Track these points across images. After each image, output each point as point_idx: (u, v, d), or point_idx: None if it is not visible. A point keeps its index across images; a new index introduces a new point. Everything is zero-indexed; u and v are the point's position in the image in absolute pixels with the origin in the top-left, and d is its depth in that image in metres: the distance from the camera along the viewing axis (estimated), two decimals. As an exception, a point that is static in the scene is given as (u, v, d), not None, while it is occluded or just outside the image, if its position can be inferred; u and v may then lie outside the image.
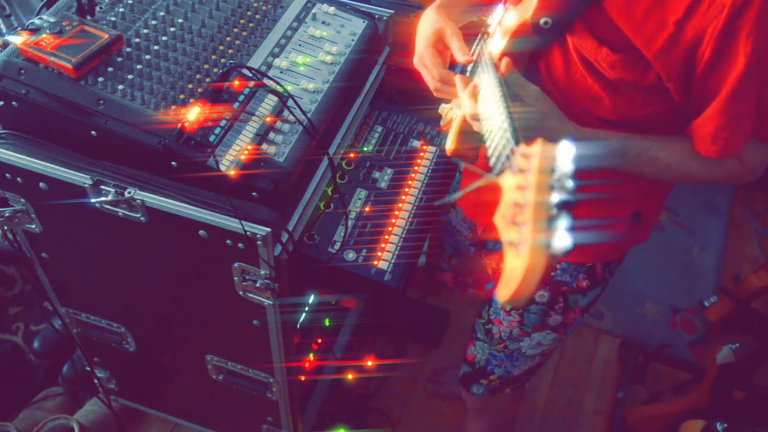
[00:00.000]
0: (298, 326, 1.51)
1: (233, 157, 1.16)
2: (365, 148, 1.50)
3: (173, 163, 1.13)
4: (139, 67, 1.19)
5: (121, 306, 1.52)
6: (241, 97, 1.22)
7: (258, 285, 1.19)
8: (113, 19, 1.25)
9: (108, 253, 1.36)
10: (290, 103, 1.24)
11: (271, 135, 1.23)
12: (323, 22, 1.46)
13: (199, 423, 1.90)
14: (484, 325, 1.47)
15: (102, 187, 1.14)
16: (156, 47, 1.24)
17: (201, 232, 1.15)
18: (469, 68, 1.11)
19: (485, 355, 1.50)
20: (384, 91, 1.66)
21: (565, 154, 0.64)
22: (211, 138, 1.16)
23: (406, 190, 1.44)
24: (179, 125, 1.12)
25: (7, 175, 1.20)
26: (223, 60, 1.28)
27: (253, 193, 1.16)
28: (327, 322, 1.76)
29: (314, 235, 1.31)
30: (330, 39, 1.42)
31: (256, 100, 1.23)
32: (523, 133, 0.77)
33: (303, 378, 1.65)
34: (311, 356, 1.68)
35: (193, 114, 1.13)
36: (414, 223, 1.39)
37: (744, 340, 2.35)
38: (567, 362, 2.29)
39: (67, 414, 1.89)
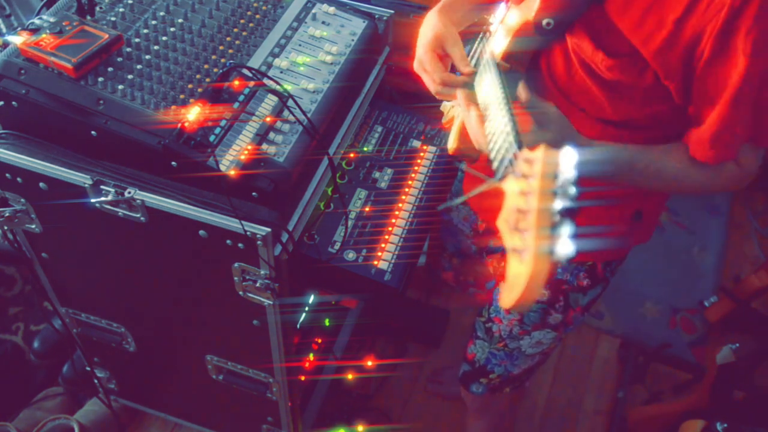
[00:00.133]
0: (298, 326, 1.51)
1: (233, 157, 1.16)
2: (365, 148, 1.50)
3: (173, 163, 1.13)
4: (139, 67, 1.19)
5: (121, 306, 1.52)
6: (241, 97, 1.22)
7: (258, 285, 1.19)
8: (113, 19, 1.25)
9: (108, 253, 1.36)
10: (290, 103, 1.24)
11: (271, 135, 1.23)
12: (323, 22, 1.46)
13: (199, 423, 1.90)
14: (485, 323, 1.47)
15: (102, 187, 1.14)
16: (156, 47, 1.24)
17: (201, 232, 1.15)
18: (471, 67, 1.11)
19: (485, 354, 1.50)
20: (384, 91, 1.66)
21: (568, 160, 0.64)
22: (211, 138, 1.16)
23: (406, 190, 1.44)
24: (179, 125, 1.12)
25: (7, 175, 1.20)
26: (223, 60, 1.28)
27: (253, 193, 1.16)
28: (327, 322, 1.76)
29: (314, 235, 1.31)
30: (330, 39, 1.42)
31: (256, 100, 1.23)
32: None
33: (303, 378, 1.65)
34: (311, 356, 1.68)
35: (193, 114, 1.13)
36: (414, 223, 1.39)
37: (744, 340, 2.35)
38: (567, 362, 2.29)
39: (67, 414, 1.89)
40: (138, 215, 1.17)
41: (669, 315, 2.47)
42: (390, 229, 1.36)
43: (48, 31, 1.15)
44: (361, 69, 1.48)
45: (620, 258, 1.34)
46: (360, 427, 1.93)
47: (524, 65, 1.11)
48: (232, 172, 1.13)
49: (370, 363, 1.90)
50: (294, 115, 1.22)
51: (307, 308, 1.52)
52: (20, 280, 2.21)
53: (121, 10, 1.27)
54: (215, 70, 1.25)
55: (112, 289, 1.48)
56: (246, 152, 1.17)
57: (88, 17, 1.24)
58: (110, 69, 1.16)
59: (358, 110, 1.46)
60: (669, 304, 2.50)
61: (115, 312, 1.53)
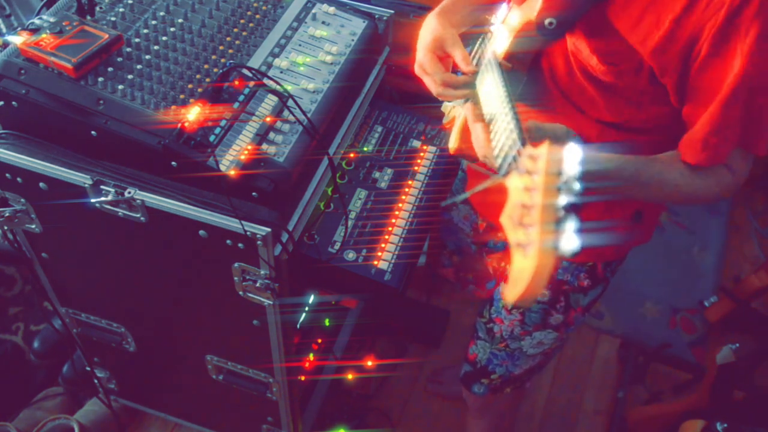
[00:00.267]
0: (298, 326, 1.51)
1: (233, 157, 1.16)
2: (365, 148, 1.50)
3: (173, 163, 1.13)
4: (139, 67, 1.19)
5: (121, 306, 1.52)
6: (241, 97, 1.22)
7: (258, 285, 1.19)
8: (113, 19, 1.25)
9: (108, 253, 1.36)
10: (290, 103, 1.24)
11: (271, 135, 1.23)
12: (323, 22, 1.46)
13: (199, 423, 1.90)
14: (486, 324, 1.47)
15: (102, 187, 1.14)
16: (156, 47, 1.24)
17: (201, 232, 1.15)
18: (473, 67, 1.11)
19: (486, 355, 1.50)
20: (384, 91, 1.66)
21: (572, 157, 0.64)
22: (211, 138, 1.16)
23: (406, 190, 1.44)
24: (179, 125, 1.12)
25: (7, 175, 1.20)
26: (223, 60, 1.28)
27: (253, 193, 1.16)
28: (327, 322, 1.76)
29: (314, 235, 1.31)
30: (330, 39, 1.42)
31: (256, 100, 1.23)
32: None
33: (303, 378, 1.65)
34: (311, 356, 1.68)
35: (193, 114, 1.13)
36: (414, 223, 1.39)
37: (744, 340, 2.35)
38: (567, 362, 2.29)
39: (67, 414, 1.89)
40: (138, 215, 1.17)
41: (669, 315, 2.47)
42: (390, 229, 1.36)
43: (48, 31, 1.15)
44: (361, 69, 1.48)
45: (620, 258, 1.34)
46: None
47: (526, 65, 1.11)
48: (232, 172, 1.13)
49: (370, 363, 1.90)
50: (294, 115, 1.22)
51: (307, 308, 1.52)
52: (20, 280, 2.21)
53: (121, 10, 1.27)
54: (215, 70, 1.25)
55: (112, 289, 1.48)
56: (246, 152, 1.17)
57: (88, 17, 1.24)
58: (110, 69, 1.16)
59: (358, 110, 1.46)
60: (669, 304, 2.50)
61: (115, 312, 1.53)
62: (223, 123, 1.18)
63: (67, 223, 1.29)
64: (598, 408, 2.19)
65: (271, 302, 1.23)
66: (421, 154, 1.52)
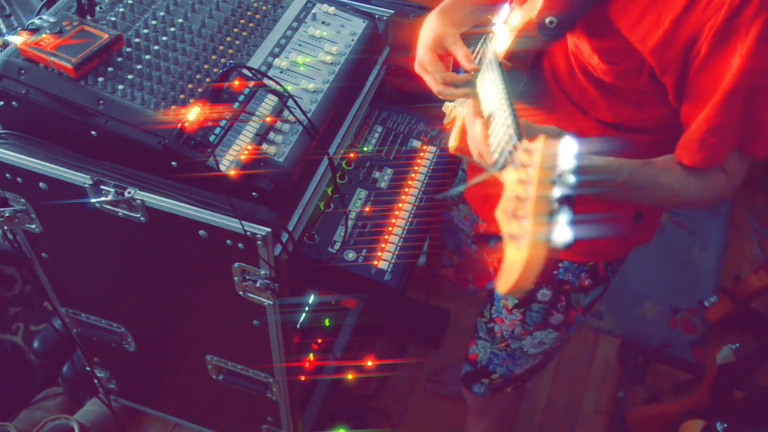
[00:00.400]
0: (298, 326, 1.51)
1: (233, 157, 1.16)
2: (365, 148, 1.50)
3: (173, 163, 1.13)
4: (139, 67, 1.19)
5: (121, 306, 1.52)
6: (241, 97, 1.22)
7: (258, 285, 1.19)
8: (113, 19, 1.25)
9: (108, 253, 1.36)
10: (290, 103, 1.24)
11: (271, 135, 1.23)
12: (323, 22, 1.46)
13: (199, 423, 1.90)
14: (486, 323, 1.47)
15: (102, 187, 1.14)
16: (156, 47, 1.24)
17: (201, 232, 1.15)
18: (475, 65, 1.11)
19: (487, 354, 1.51)
20: (384, 91, 1.66)
21: (568, 150, 0.64)
22: (211, 138, 1.16)
23: (406, 190, 1.44)
24: (179, 125, 1.12)
25: (7, 175, 1.20)
26: (223, 60, 1.28)
27: (253, 193, 1.16)
28: (327, 322, 1.76)
29: (314, 235, 1.31)
30: (330, 39, 1.42)
31: (256, 100, 1.23)
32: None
33: (303, 378, 1.65)
34: (311, 356, 1.68)
35: (193, 114, 1.13)
36: (414, 223, 1.39)
37: (744, 340, 2.35)
38: (567, 362, 2.29)
39: (67, 414, 1.89)
40: (138, 215, 1.17)
41: (669, 315, 2.47)
42: (390, 229, 1.36)
43: (48, 31, 1.15)
44: (361, 69, 1.48)
45: (621, 258, 1.34)
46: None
47: (527, 65, 1.11)
48: (232, 172, 1.13)
49: (370, 363, 1.90)
50: (294, 115, 1.22)
51: (307, 308, 1.52)
52: (20, 280, 2.21)
53: (121, 10, 1.27)
54: (215, 70, 1.25)
55: (112, 289, 1.48)
56: (246, 152, 1.17)
57: (88, 17, 1.24)
58: (110, 69, 1.16)
59: (358, 110, 1.46)
60: (669, 304, 2.50)
61: (115, 312, 1.53)
62: (223, 123, 1.18)
63: (67, 223, 1.29)
64: (598, 408, 2.19)
65: (271, 302, 1.23)
66: (421, 154, 1.52)
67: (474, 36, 1.19)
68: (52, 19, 1.18)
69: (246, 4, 1.41)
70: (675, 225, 2.78)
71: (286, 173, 1.19)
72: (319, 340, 1.75)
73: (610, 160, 0.96)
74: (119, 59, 1.19)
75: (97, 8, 1.26)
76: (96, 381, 1.81)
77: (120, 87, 1.14)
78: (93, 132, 1.14)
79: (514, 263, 0.63)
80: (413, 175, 1.47)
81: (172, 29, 1.28)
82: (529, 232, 0.62)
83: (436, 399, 2.15)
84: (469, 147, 0.98)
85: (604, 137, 1.10)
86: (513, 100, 0.85)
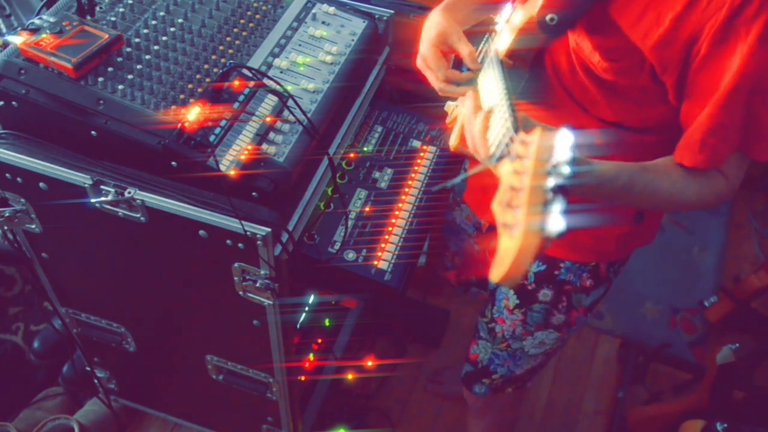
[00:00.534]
0: (298, 326, 1.51)
1: (233, 157, 1.16)
2: (365, 148, 1.50)
3: (173, 163, 1.13)
4: (139, 67, 1.19)
5: (121, 306, 1.52)
6: (241, 97, 1.22)
7: (258, 285, 1.19)
8: (113, 19, 1.25)
9: (108, 253, 1.36)
10: (290, 103, 1.24)
11: (271, 135, 1.23)
12: (323, 22, 1.46)
13: (199, 423, 1.90)
14: (487, 323, 1.47)
15: (102, 187, 1.14)
16: (156, 47, 1.24)
17: (201, 232, 1.15)
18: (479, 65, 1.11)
19: (488, 354, 1.50)
20: (384, 91, 1.66)
21: (564, 142, 0.64)
22: (211, 138, 1.16)
23: (406, 190, 1.44)
24: (179, 125, 1.12)
25: (7, 175, 1.20)
26: (223, 60, 1.28)
27: (253, 193, 1.16)
28: (327, 322, 1.76)
29: (314, 235, 1.31)
30: (330, 39, 1.42)
31: (256, 100, 1.23)
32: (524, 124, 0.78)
33: (303, 378, 1.65)
34: (311, 356, 1.68)
35: (193, 114, 1.13)
36: (414, 223, 1.39)
37: (744, 340, 2.35)
38: (567, 362, 2.29)
39: (67, 414, 1.89)
40: (138, 215, 1.17)
41: (669, 315, 2.47)
42: (390, 229, 1.36)
43: (48, 31, 1.15)
44: (361, 69, 1.48)
45: (623, 259, 1.34)
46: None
47: (528, 63, 1.11)
48: (232, 172, 1.13)
49: (370, 363, 1.90)
50: (294, 115, 1.22)
51: (307, 308, 1.52)
52: (20, 280, 2.21)
53: (121, 10, 1.27)
54: (215, 70, 1.25)
55: (112, 289, 1.48)
56: (246, 152, 1.17)
57: (88, 17, 1.24)
58: (110, 69, 1.16)
59: (358, 110, 1.46)
60: (669, 304, 2.50)
61: (115, 312, 1.53)
62: (223, 123, 1.18)
63: (67, 223, 1.29)
64: (598, 408, 2.19)
65: (271, 302, 1.23)
66: (421, 154, 1.52)
67: (476, 35, 1.19)
68: (52, 19, 1.18)
69: (246, 4, 1.41)
70: (675, 225, 2.78)
71: (286, 173, 1.19)
72: (319, 340, 1.75)
73: (607, 165, 0.95)
74: (119, 59, 1.19)
75: (97, 8, 1.26)
76: (96, 381, 1.81)
77: (120, 87, 1.14)
78: (93, 132, 1.14)
79: (507, 252, 0.64)
80: (413, 175, 1.47)
81: (172, 29, 1.28)
82: (522, 221, 0.62)
83: (436, 399, 2.15)
84: (467, 143, 0.98)
85: (600, 128, 1.09)
86: (512, 96, 0.86)
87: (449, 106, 1.29)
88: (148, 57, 1.21)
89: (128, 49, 1.21)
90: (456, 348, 2.24)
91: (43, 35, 1.14)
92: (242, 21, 1.38)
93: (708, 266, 2.65)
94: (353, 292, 1.39)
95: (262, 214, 1.14)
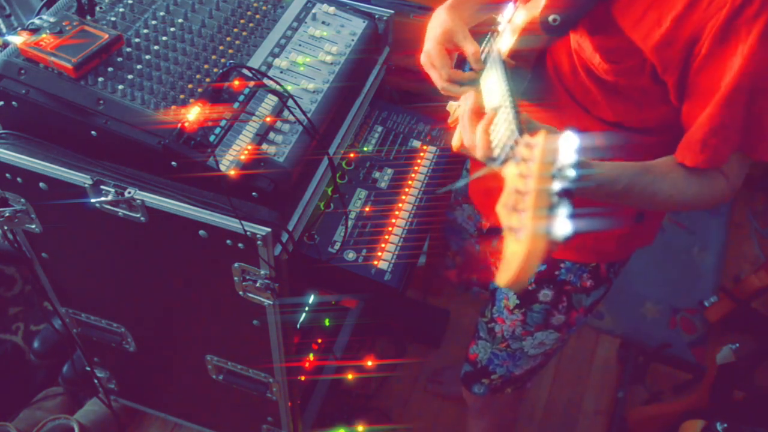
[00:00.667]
0: (298, 326, 1.51)
1: (233, 157, 1.16)
2: (365, 148, 1.50)
3: (173, 163, 1.13)
4: (139, 67, 1.19)
5: (121, 306, 1.52)
6: (241, 97, 1.22)
7: (258, 285, 1.19)
8: (113, 19, 1.25)
9: (108, 253, 1.36)
10: (290, 103, 1.24)
11: (271, 135, 1.23)
12: (323, 22, 1.46)
13: (199, 423, 1.90)
14: (487, 323, 1.47)
15: (102, 187, 1.14)
16: (156, 47, 1.24)
17: (201, 232, 1.15)
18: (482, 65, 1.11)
19: (487, 354, 1.50)
20: (384, 91, 1.66)
21: (569, 145, 0.64)
22: (211, 138, 1.16)
23: (406, 190, 1.44)
24: (179, 125, 1.12)
25: (7, 175, 1.20)
26: (223, 60, 1.28)
27: (253, 193, 1.16)
28: (327, 322, 1.76)
29: (314, 235, 1.31)
30: (330, 39, 1.42)
31: (256, 100, 1.23)
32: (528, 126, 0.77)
33: (303, 378, 1.65)
34: (311, 356, 1.68)
35: (193, 114, 1.13)
36: (414, 223, 1.39)
37: (744, 340, 2.35)
38: (567, 362, 2.29)
39: (67, 414, 1.89)
40: (138, 215, 1.17)
41: (669, 315, 2.47)
42: (390, 229, 1.36)
43: (48, 31, 1.15)
44: (361, 69, 1.48)
45: (624, 259, 1.34)
46: (360, 428, 1.93)
47: (530, 63, 1.11)
48: (232, 172, 1.13)
49: (370, 363, 1.90)
50: (294, 115, 1.22)
51: (307, 308, 1.52)
52: (20, 280, 2.21)
53: (121, 10, 1.27)
54: (215, 70, 1.25)
55: (112, 289, 1.48)
56: (246, 152, 1.17)
57: (88, 17, 1.24)
58: (110, 69, 1.16)
59: (358, 110, 1.46)
60: (669, 304, 2.50)
61: (115, 312, 1.53)
62: (223, 123, 1.18)
63: (67, 223, 1.29)
64: (598, 408, 2.19)
65: (271, 302, 1.23)
66: (421, 154, 1.52)
67: (478, 35, 1.19)
68: (52, 19, 1.18)
69: (246, 4, 1.41)
70: (675, 225, 2.78)
71: (286, 173, 1.19)
72: (319, 340, 1.75)
73: (608, 166, 0.95)
74: (119, 59, 1.19)
75: (97, 8, 1.26)
76: (96, 381, 1.81)
77: (120, 87, 1.14)
78: (93, 132, 1.14)
79: (514, 256, 0.64)
80: (413, 175, 1.47)
81: (172, 29, 1.28)
82: (528, 224, 0.62)
83: (436, 399, 2.15)
84: (464, 141, 0.98)
85: (604, 131, 1.09)
86: (515, 97, 0.86)
87: (451, 106, 1.29)
88: (148, 57, 1.21)
89: (128, 49, 1.21)
90: (456, 348, 2.24)
91: (43, 35, 1.14)
92: (242, 21, 1.38)
93: (708, 266, 2.65)
94: (353, 292, 1.39)
95: (262, 214, 1.14)
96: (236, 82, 1.21)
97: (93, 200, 1.15)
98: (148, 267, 1.36)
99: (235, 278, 1.22)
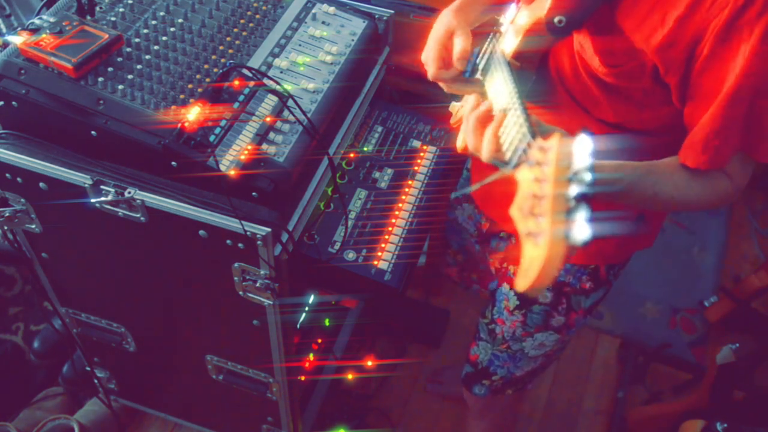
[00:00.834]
0: (298, 326, 1.51)
1: (233, 157, 1.16)
2: (365, 148, 1.50)
3: (173, 163, 1.13)
4: (139, 67, 1.19)
5: (121, 306, 1.52)
6: (241, 97, 1.22)
7: (258, 285, 1.19)
8: (113, 19, 1.25)
9: (108, 253, 1.36)
10: (290, 103, 1.24)
11: (271, 135, 1.23)
12: (323, 22, 1.46)
13: (199, 423, 1.90)
14: (488, 324, 1.47)
15: (102, 187, 1.14)
16: (156, 47, 1.24)
17: (201, 232, 1.15)
18: (481, 66, 1.11)
19: (488, 356, 1.50)
20: (384, 91, 1.66)
21: (583, 148, 0.64)
22: (211, 138, 1.16)
23: (406, 190, 1.44)
24: (179, 125, 1.12)
25: (7, 175, 1.20)
26: (223, 60, 1.28)
27: (253, 193, 1.16)
28: (327, 322, 1.76)
29: (314, 235, 1.31)
30: (330, 39, 1.42)
31: (256, 100, 1.23)
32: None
33: (303, 378, 1.65)
34: (311, 356, 1.68)
35: (193, 114, 1.13)
36: (414, 223, 1.39)
37: (744, 340, 2.35)
38: (567, 362, 2.29)
39: (67, 414, 1.89)
40: (138, 215, 1.17)
41: (669, 315, 2.47)
42: (390, 229, 1.36)
43: (48, 31, 1.15)
44: (361, 69, 1.48)
45: (623, 261, 1.34)
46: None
47: (535, 65, 1.11)
48: (232, 172, 1.13)
49: (370, 363, 1.90)
50: (294, 115, 1.22)
51: (307, 308, 1.52)
52: (20, 280, 2.21)
53: (121, 10, 1.27)
54: (215, 70, 1.25)
55: (112, 289, 1.48)
56: (246, 152, 1.17)
57: (88, 17, 1.24)
58: (110, 69, 1.16)
59: (358, 110, 1.46)
60: (669, 304, 2.50)
61: (115, 312, 1.53)
62: (223, 123, 1.18)
63: (67, 223, 1.29)
64: (598, 408, 2.19)
65: (271, 302, 1.23)
66: (421, 154, 1.52)
67: (483, 36, 1.19)
68: (52, 19, 1.18)
69: (246, 4, 1.41)
70: (675, 225, 2.78)
71: (286, 173, 1.19)
72: (319, 340, 1.75)
73: (612, 167, 0.95)
74: (119, 59, 1.19)
75: (97, 8, 1.26)
76: (96, 381, 1.80)
77: (120, 87, 1.14)
78: (93, 132, 1.14)
79: (533, 261, 0.63)
80: (413, 175, 1.47)
81: (172, 29, 1.28)
82: (547, 229, 0.62)
83: (436, 399, 2.15)
84: (467, 143, 0.97)
85: (616, 134, 1.09)
86: (524, 100, 0.85)
87: (454, 106, 1.29)
88: (148, 57, 1.21)
89: (128, 49, 1.21)
90: (456, 348, 2.24)
91: (43, 35, 1.14)
92: (242, 21, 1.38)
93: (708, 266, 2.65)
94: (353, 292, 1.39)
95: (262, 214, 1.14)
96: (236, 82, 1.21)
97: (93, 200, 1.15)
98: (148, 267, 1.36)
99: (235, 278, 1.22)
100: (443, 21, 1.15)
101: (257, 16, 1.41)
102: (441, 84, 1.13)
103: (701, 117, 0.96)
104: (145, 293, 1.44)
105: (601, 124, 1.10)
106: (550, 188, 0.64)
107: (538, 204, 0.65)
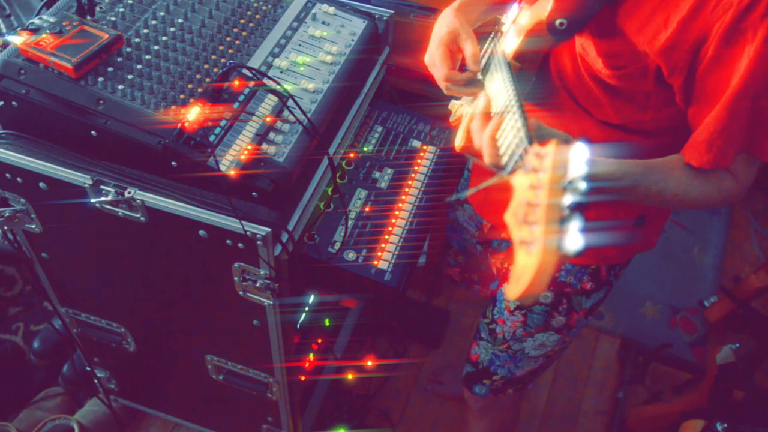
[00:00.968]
0: (298, 326, 1.51)
1: (233, 157, 1.16)
2: (365, 148, 1.50)
3: (173, 163, 1.13)
4: (139, 67, 1.19)
5: (121, 306, 1.52)
6: (241, 97, 1.22)
7: (258, 285, 1.19)
8: (113, 19, 1.25)
9: (108, 253, 1.36)
10: (290, 103, 1.24)
11: (271, 135, 1.23)
12: (323, 22, 1.46)
13: (199, 423, 1.90)
14: (488, 324, 1.47)
15: (102, 187, 1.14)
16: (156, 47, 1.24)
17: (201, 232, 1.15)
18: (481, 66, 1.11)
19: (489, 356, 1.50)
20: (384, 91, 1.66)
21: (579, 156, 0.64)
22: (211, 138, 1.16)
23: (406, 190, 1.44)
24: (179, 125, 1.12)
25: (7, 175, 1.20)
26: (223, 60, 1.28)
27: (253, 193, 1.16)
28: (327, 322, 1.76)
29: (314, 235, 1.31)
30: (330, 39, 1.42)
31: (256, 100, 1.23)
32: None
33: (303, 378, 1.65)
34: (311, 356, 1.68)
35: (193, 114, 1.13)
36: (414, 223, 1.39)
37: (744, 340, 2.35)
38: (567, 362, 2.29)
39: (67, 414, 1.89)
40: (138, 215, 1.17)
41: (669, 315, 2.47)
42: (390, 229, 1.36)
43: (48, 31, 1.15)
44: (361, 69, 1.48)
45: (624, 262, 1.34)
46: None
47: (535, 66, 1.11)
48: (232, 172, 1.13)
49: (370, 363, 1.90)
50: (294, 115, 1.22)
51: (307, 308, 1.52)
52: (20, 280, 2.21)
53: (121, 10, 1.27)
54: (215, 70, 1.25)
55: (112, 289, 1.48)
56: (246, 152, 1.17)
57: (88, 17, 1.24)
58: (110, 69, 1.16)
59: (358, 110, 1.46)
60: (669, 304, 2.50)
61: (115, 312, 1.53)
62: (223, 123, 1.18)
63: (67, 223, 1.29)
64: (598, 408, 2.19)
65: (271, 302, 1.23)
66: (421, 154, 1.52)
67: (480, 35, 1.19)
68: (52, 19, 1.18)
69: (246, 4, 1.41)
70: (675, 225, 2.78)
71: (286, 173, 1.19)
72: (319, 340, 1.75)
73: (615, 165, 0.95)
74: (119, 59, 1.19)
75: (97, 8, 1.26)
76: (96, 381, 1.80)
77: (120, 87, 1.14)
78: (93, 132, 1.14)
79: (525, 269, 0.63)
80: (413, 175, 1.47)
81: (172, 29, 1.28)
82: (540, 238, 0.61)
83: (436, 399, 2.15)
84: (475, 147, 0.97)
85: (614, 142, 1.09)
86: (522, 102, 0.85)
87: (453, 105, 1.29)
88: (148, 57, 1.21)
89: (128, 49, 1.21)
90: (456, 348, 2.24)
91: (43, 35, 1.14)
92: (242, 21, 1.38)
93: (708, 266, 2.65)
94: (353, 292, 1.39)
95: (262, 214, 1.14)
96: (236, 82, 1.21)
97: (93, 200, 1.15)
98: (148, 267, 1.36)
99: (235, 278, 1.22)
100: (445, 21, 1.15)
101: (257, 16, 1.41)
102: (441, 85, 1.13)
103: (705, 117, 0.96)
104: (145, 293, 1.44)
105: (602, 125, 1.10)
106: (544, 196, 0.63)
107: (532, 211, 0.64)
